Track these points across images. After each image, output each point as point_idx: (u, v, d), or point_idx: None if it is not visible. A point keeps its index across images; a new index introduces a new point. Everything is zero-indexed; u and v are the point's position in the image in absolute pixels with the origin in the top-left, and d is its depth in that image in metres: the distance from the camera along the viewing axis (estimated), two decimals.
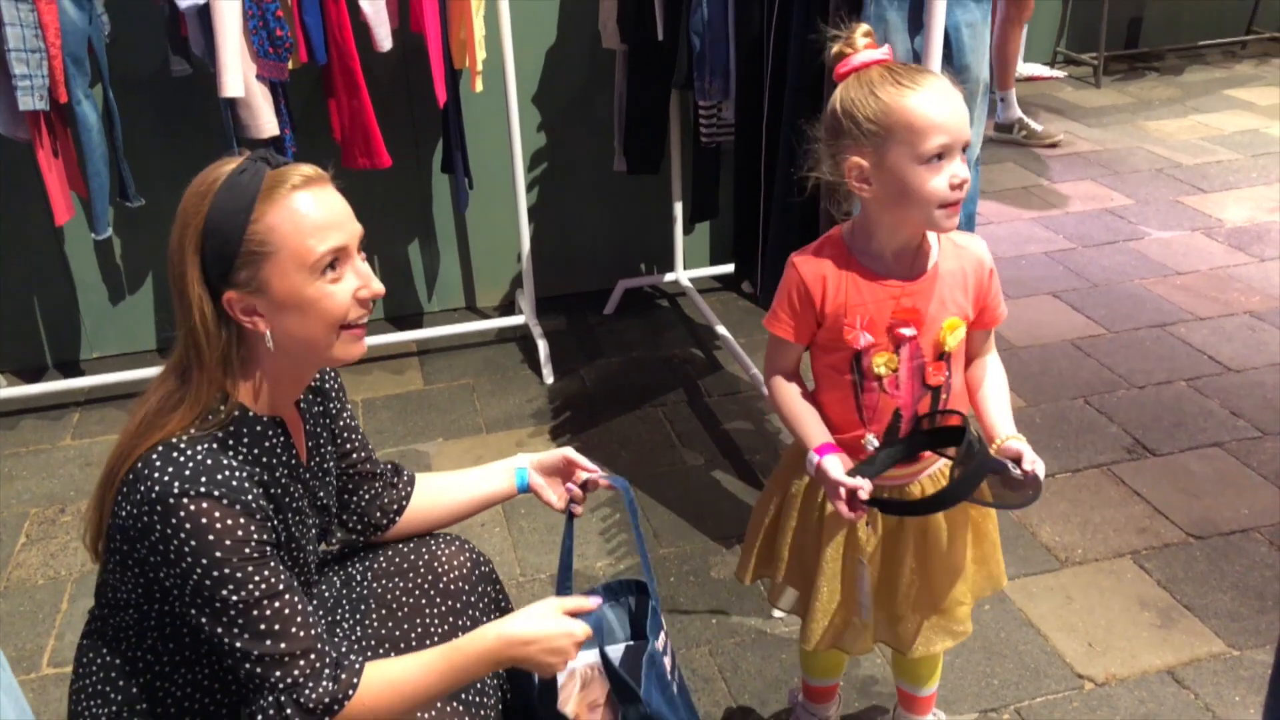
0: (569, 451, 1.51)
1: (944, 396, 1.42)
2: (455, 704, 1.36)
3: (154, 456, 1.15)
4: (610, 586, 1.53)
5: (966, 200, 1.99)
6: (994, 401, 1.45)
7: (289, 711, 1.17)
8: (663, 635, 1.43)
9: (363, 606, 1.43)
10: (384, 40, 2.62)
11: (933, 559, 1.48)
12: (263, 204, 1.15)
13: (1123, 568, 2.19)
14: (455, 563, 1.50)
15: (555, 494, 1.53)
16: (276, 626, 1.16)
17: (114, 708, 1.27)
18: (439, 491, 1.54)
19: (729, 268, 3.40)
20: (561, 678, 1.40)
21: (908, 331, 1.36)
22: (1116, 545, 2.25)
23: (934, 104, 1.26)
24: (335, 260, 1.19)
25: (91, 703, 1.28)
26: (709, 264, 3.50)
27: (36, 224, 2.88)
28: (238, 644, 1.16)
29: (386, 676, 1.22)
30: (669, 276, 3.41)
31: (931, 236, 1.39)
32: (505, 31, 2.75)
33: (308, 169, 1.20)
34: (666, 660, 1.42)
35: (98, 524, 1.25)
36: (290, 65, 2.53)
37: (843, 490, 1.33)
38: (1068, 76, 5.73)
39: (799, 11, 1.95)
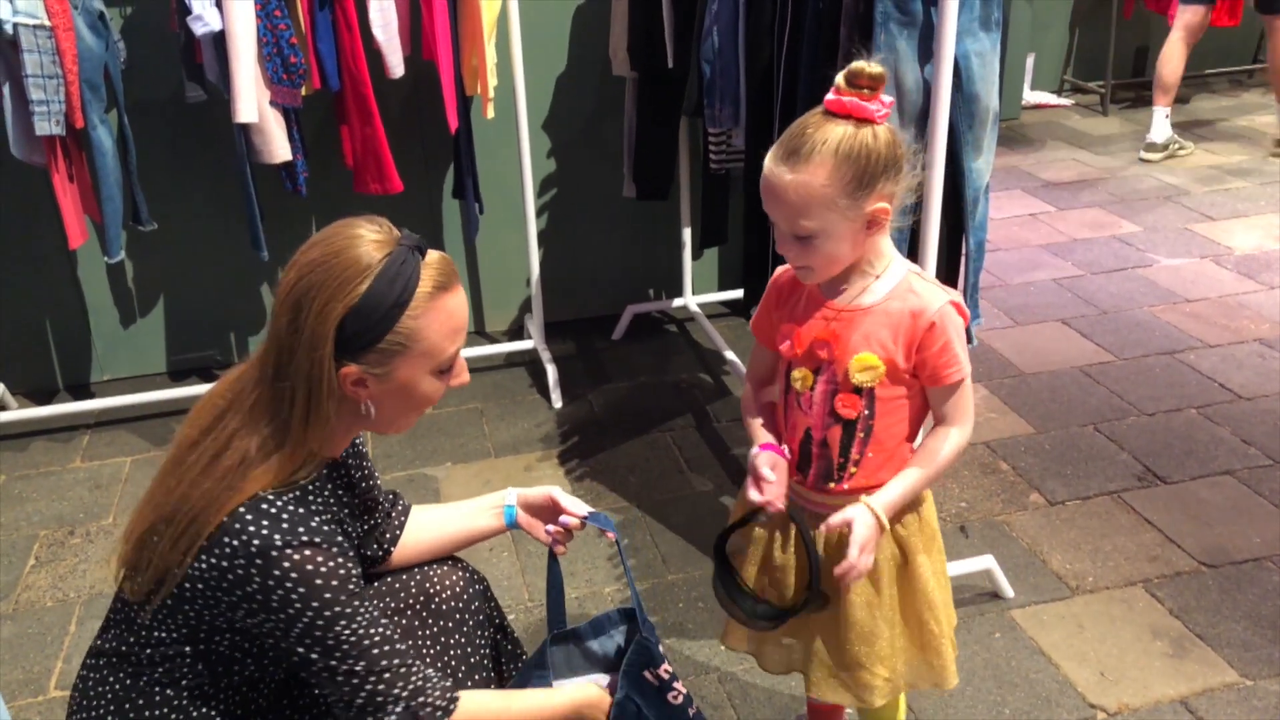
0: (554, 491, 1.51)
1: (860, 435, 1.39)
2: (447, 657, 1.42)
3: (241, 510, 1.17)
4: (596, 622, 1.50)
5: (976, 228, 2.02)
6: (903, 472, 1.39)
7: (420, 715, 1.23)
8: (664, 668, 1.42)
9: None
10: (396, 67, 2.64)
11: (838, 602, 1.44)
12: (418, 302, 1.19)
13: (1134, 596, 2.17)
14: (448, 582, 1.50)
15: (542, 532, 1.53)
16: (387, 647, 1.22)
17: None
18: (431, 525, 1.54)
19: (738, 293, 3.40)
20: None
21: (823, 354, 1.38)
22: (1128, 573, 2.24)
23: None
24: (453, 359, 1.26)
25: None
26: (717, 290, 3.51)
27: (50, 247, 2.91)
28: (357, 668, 1.19)
29: (479, 703, 1.31)
30: (677, 302, 3.42)
31: (891, 273, 1.37)
32: (516, 58, 2.77)
33: (446, 262, 1.24)
34: (674, 695, 1.42)
35: (131, 559, 1.24)
36: (304, 91, 2.56)
37: (755, 480, 1.42)
38: (1075, 104, 5.76)
39: (809, 40, 1.97)
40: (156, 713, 1.27)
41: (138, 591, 1.24)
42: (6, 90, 2.35)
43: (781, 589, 1.48)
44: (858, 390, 1.37)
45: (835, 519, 1.34)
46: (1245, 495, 2.47)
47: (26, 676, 2.06)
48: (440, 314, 1.21)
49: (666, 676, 1.42)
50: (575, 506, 1.49)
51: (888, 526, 1.37)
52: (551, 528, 1.50)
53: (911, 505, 1.44)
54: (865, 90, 1.25)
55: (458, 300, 1.24)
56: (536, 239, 3.05)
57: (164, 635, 1.24)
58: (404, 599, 1.47)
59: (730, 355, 3.02)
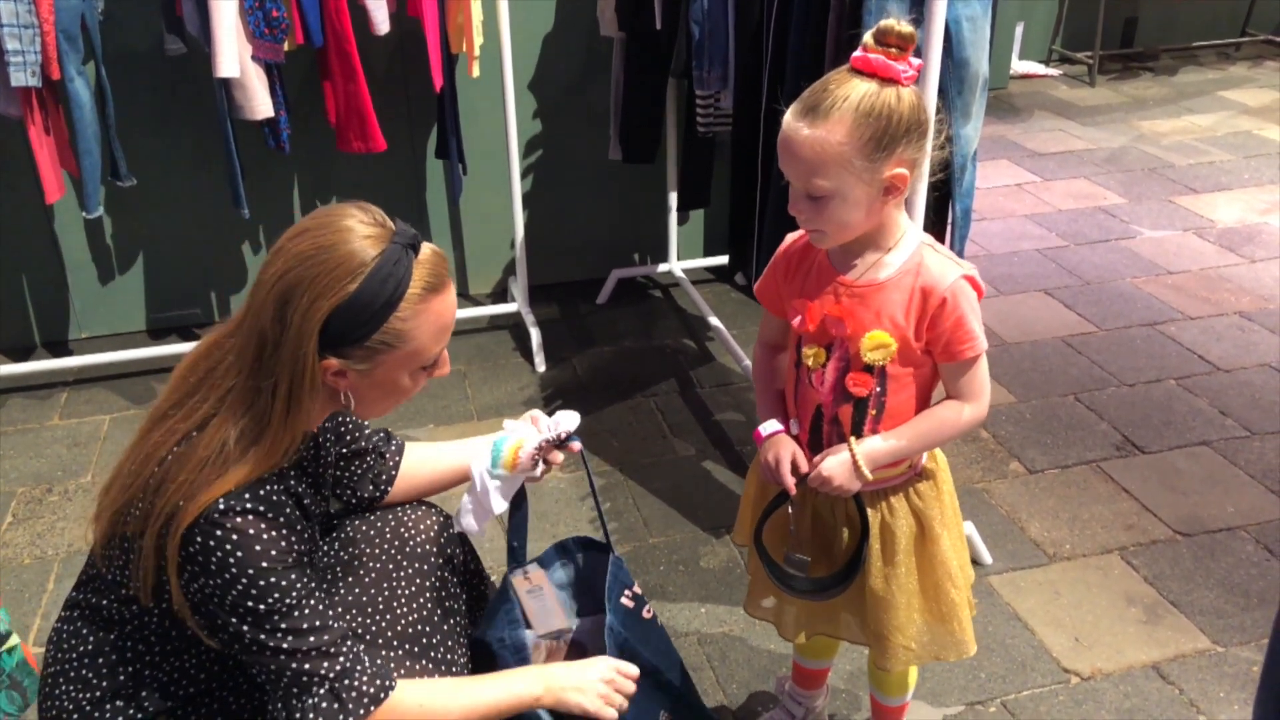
0: (535, 414, 1.49)
1: (872, 413, 1.37)
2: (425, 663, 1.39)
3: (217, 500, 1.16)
4: (562, 545, 1.56)
5: (963, 195, 2.01)
6: (899, 429, 1.37)
7: (344, 697, 1.20)
8: (631, 591, 1.45)
9: (329, 576, 1.43)
10: (381, 23, 2.60)
11: (871, 572, 1.45)
12: (408, 304, 1.17)
13: (1110, 564, 2.20)
14: (422, 526, 1.50)
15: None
16: (317, 622, 1.20)
17: (95, 693, 1.27)
18: (426, 462, 1.56)
19: (722, 259, 3.40)
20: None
21: (835, 331, 1.36)
22: (1104, 541, 2.26)
23: None
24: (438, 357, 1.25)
25: (70, 687, 1.28)
26: (702, 255, 3.50)
27: (26, 202, 2.86)
28: (284, 644, 1.18)
29: (417, 695, 1.27)
30: (662, 267, 3.41)
31: (904, 246, 1.34)
32: (503, 17, 2.73)
33: (439, 259, 1.21)
34: (646, 610, 1.47)
35: (105, 537, 1.23)
36: (286, 47, 2.52)
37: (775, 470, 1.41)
38: (1062, 75, 5.74)
39: (800, 2, 1.95)
40: (129, 669, 1.27)
41: (112, 565, 1.24)
42: None
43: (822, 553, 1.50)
44: (869, 369, 1.34)
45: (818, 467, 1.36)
46: (1221, 466, 2.50)
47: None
48: (429, 316, 1.19)
49: (638, 595, 1.48)
50: (550, 426, 1.44)
51: (868, 475, 1.35)
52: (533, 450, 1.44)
53: (928, 476, 1.44)
54: (893, 49, 1.21)
55: (448, 301, 1.21)
56: (521, 201, 3.02)
57: (132, 593, 1.24)
58: (378, 544, 1.46)
59: (714, 321, 3.02)
